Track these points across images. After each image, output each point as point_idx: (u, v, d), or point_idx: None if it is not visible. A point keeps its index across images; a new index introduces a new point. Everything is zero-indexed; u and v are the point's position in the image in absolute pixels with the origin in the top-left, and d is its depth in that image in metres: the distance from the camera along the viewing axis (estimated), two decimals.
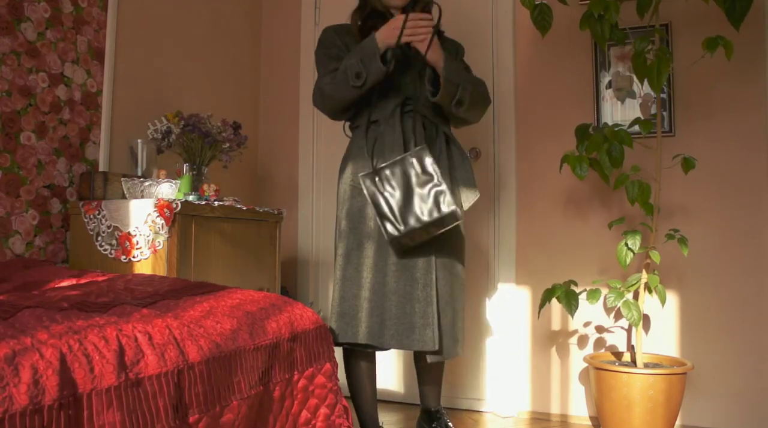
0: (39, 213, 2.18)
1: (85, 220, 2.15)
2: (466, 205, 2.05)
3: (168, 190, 2.19)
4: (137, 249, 2.07)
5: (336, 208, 2.13)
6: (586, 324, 2.71)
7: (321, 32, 2.18)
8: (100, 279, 1.70)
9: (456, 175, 2.06)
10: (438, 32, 2.06)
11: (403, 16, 1.94)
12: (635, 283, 2.40)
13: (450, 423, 2.15)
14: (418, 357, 2.14)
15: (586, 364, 2.57)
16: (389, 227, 1.89)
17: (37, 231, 2.17)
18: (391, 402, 2.94)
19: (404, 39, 1.93)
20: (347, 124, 2.20)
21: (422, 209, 1.88)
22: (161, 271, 2.04)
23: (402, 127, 2.01)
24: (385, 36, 1.95)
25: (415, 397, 2.92)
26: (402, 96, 2.03)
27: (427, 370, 2.16)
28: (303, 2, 3.31)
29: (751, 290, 2.48)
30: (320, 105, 2.13)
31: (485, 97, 2.16)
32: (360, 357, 2.06)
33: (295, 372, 1.44)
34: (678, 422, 2.47)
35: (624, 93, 2.70)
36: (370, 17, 2.10)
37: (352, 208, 2.04)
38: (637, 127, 2.41)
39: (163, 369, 1.08)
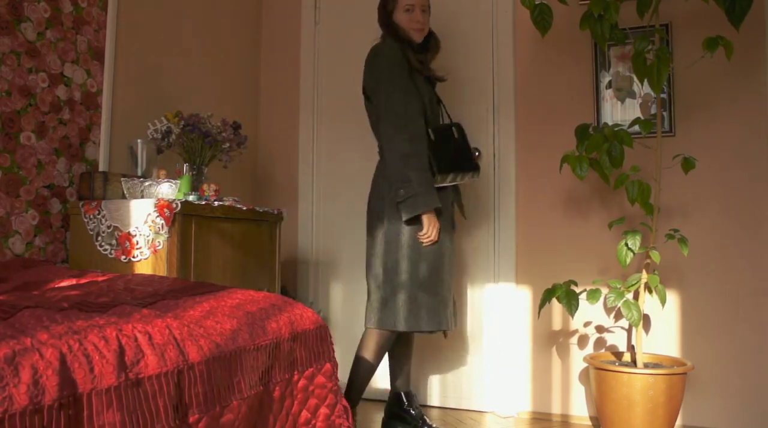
0: (39, 213, 2.18)
1: (85, 220, 2.15)
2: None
3: (168, 190, 2.18)
4: (137, 249, 2.07)
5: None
6: (587, 324, 2.71)
7: (388, 50, 2.31)
8: (100, 279, 1.70)
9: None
10: None
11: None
12: (635, 283, 2.40)
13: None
14: (406, 341, 2.47)
15: (586, 364, 2.57)
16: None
17: (37, 232, 2.17)
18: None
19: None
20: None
21: None
22: (161, 271, 2.03)
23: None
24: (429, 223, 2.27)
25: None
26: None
27: (409, 352, 2.51)
28: (303, 2, 3.31)
29: (750, 290, 2.48)
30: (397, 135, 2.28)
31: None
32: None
33: (295, 372, 1.44)
34: (678, 422, 2.47)
35: (624, 93, 2.70)
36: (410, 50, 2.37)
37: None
38: (637, 127, 2.41)
39: (163, 369, 1.08)
